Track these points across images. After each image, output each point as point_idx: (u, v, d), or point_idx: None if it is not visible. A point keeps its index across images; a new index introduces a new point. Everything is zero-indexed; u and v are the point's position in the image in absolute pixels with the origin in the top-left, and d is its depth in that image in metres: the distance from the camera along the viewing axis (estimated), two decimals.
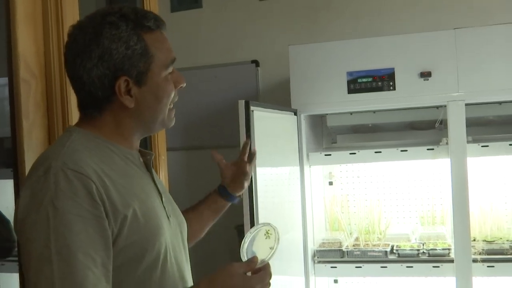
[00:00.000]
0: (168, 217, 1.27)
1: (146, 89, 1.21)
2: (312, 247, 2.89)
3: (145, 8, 2.01)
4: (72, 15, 1.57)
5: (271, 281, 1.24)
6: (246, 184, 1.76)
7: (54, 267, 1.02)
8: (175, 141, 3.80)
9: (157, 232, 1.18)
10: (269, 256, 1.24)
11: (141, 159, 1.31)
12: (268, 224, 1.26)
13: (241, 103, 2.21)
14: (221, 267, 1.18)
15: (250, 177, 1.76)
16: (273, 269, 2.42)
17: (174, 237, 1.27)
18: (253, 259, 1.20)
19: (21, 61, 1.46)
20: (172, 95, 1.26)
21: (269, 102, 2.86)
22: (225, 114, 3.40)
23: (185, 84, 1.31)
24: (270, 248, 1.24)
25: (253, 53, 3.73)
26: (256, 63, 3.71)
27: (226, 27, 3.79)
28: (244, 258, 1.22)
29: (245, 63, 3.73)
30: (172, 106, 1.29)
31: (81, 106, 1.26)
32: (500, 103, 2.75)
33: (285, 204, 2.69)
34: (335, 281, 3.28)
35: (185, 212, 1.58)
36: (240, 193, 1.76)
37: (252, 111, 2.23)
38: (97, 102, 1.21)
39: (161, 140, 2.05)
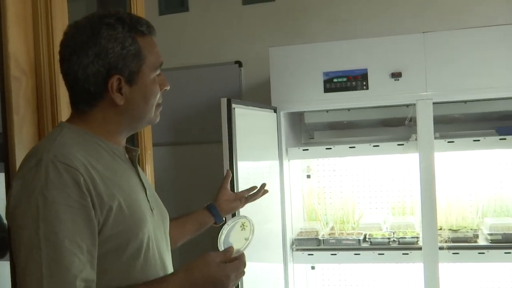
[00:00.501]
0: (151, 210, 1.27)
1: (136, 88, 1.22)
2: (290, 236, 2.89)
3: (132, 11, 1.99)
4: (61, 17, 1.56)
5: (245, 269, 1.25)
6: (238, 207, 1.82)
7: (42, 253, 1.03)
8: (163, 137, 3.78)
9: (140, 223, 1.18)
10: (244, 246, 1.25)
11: (127, 155, 1.31)
12: (244, 217, 1.28)
13: (224, 101, 2.21)
14: (199, 256, 1.19)
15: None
16: (254, 257, 2.43)
17: (156, 228, 1.27)
18: (229, 249, 1.21)
19: (12, 59, 1.44)
20: (158, 96, 1.27)
21: (251, 100, 2.86)
22: (209, 112, 3.38)
23: (169, 87, 1.31)
24: (245, 239, 1.25)
25: (236, 54, 3.71)
26: (239, 63, 3.70)
27: (211, 29, 3.77)
28: (221, 248, 1.24)
29: (229, 64, 3.71)
30: (157, 105, 1.29)
31: (73, 102, 1.26)
32: (465, 102, 2.77)
33: (265, 196, 2.68)
34: (312, 268, 3.30)
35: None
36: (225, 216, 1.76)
37: (234, 108, 2.23)
38: (89, 98, 1.22)
39: (147, 136, 2.03)
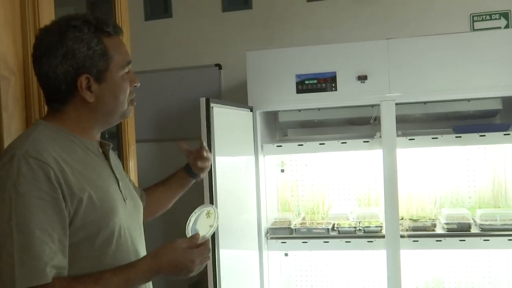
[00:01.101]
0: (124, 200, 1.26)
1: (105, 86, 1.21)
2: (265, 225, 2.89)
3: (117, 16, 1.95)
4: (48, 20, 1.52)
5: (210, 255, 1.25)
6: (206, 168, 1.74)
7: (14, 242, 1.03)
8: (147, 133, 3.76)
9: (111, 213, 1.18)
10: (209, 233, 1.25)
11: (100, 149, 1.29)
12: (210, 205, 1.27)
13: (203, 101, 2.20)
14: (166, 242, 1.18)
15: (209, 162, 1.74)
16: (231, 245, 2.42)
17: (129, 217, 1.26)
18: (195, 236, 1.21)
19: (1, 60, 1.42)
20: (128, 92, 1.25)
21: (230, 100, 2.85)
22: (191, 110, 3.33)
23: (139, 84, 1.29)
24: (210, 226, 1.25)
25: (216, 58, 3.70)
26: (219, 66, 3.69)
27: (193, 34, 3.75)
28: (189, 235, 1.23)
29: (209, 67, 3.69)
30: (132, 100, 1.28)
31: (48, 101, 1.25)
32: (425, 103, 2.79)
33: (242, 189, 2.68)
34: (286, 254, 3.30)
35: (155, 186, 1.64)
36: (202, 173, 1.74)
37: (212, 107, 2.21)
38: (61, 97, 1.21)
39: (130, 132, 2.00)
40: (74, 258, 1.11)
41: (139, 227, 1.33)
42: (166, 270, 1.15)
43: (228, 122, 2.48)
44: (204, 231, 1.23)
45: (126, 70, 1.25)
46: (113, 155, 1.37)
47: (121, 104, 1.24)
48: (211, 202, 2.18)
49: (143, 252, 1.33)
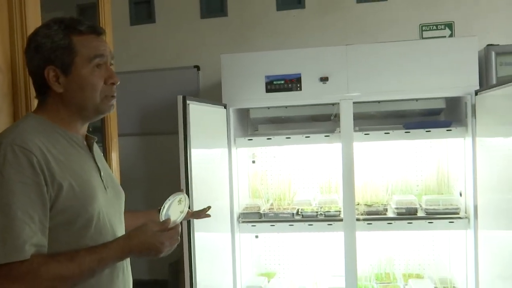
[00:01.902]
0: (105, 188, 1.23)
1: (71, 78, 1.18)
2: (237, 210, 2.89)
3: (101, 21, 1.90)
4: (34, 21, 1.48)
5: (179, 237, 1.23)
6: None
7: None
8: (132, 128, 3.72)
9: (90, 200, 1.16)
10: (180, 218, 1.23)
11: (85, 142, 1.27)
12: (182, 193, 1.25)
13: (180, 98, 2.18)
14: (139, 226, 1.17)
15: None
16: (206, 228, 2.40)
17: (109, 204, 1.24)
18: (166, 221, 1.19)
19: None
20: (98, 87, 1.21)
21: (207, 98, 2.83)
22: (171, 107, 3.30)
23: (118, 82, 1.26)
24: (181, 212, 1.23)
25: (195, 60, 3.67)
26: (197, 67, 3.66)
27: (174, 39, 3.71)
28: (162, 219, 1.21)
29: (189, 68, 3.66)
30: (110, 96, 1.24)
31: (36, 95, 1.24)
32: (379, 102, 2.81)
33: (216, 178, 2.67)
34: (256, 237, 3.31)
35: (128, 216, 1.52)
36: None
37: (188, 104, 2.20)
38: (40, 88, 1.21)
39: (113, 126, 1.96)
40: (54, 240, 1.10)
41: (119, 214, 1.31)
42: (137, 250, 1.14)
43: (204, 118, 2.46)
44: (175, 216, 1.22)
45: (95, 63, 1.20)
46: (97, 148, 1.34)
47: (90, 97, 1.20)
48: (187, 190, 2.17)
49: None
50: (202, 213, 1.69)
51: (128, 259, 1.30)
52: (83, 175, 1.17)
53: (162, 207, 1.22)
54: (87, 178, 1.18)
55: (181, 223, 1.25)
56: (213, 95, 3.20)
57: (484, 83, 2.71)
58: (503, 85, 2.20)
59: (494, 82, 2.76)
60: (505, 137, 2.27)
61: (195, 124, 2.26)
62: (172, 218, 1.20)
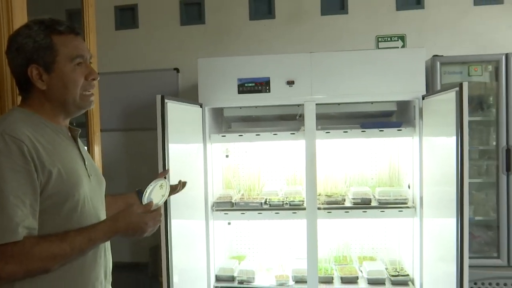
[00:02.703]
0: (89, 176, 1.22)
1: (54, 75, 1.16)
2: (211, 200, 2.89)
3: (85, 23, 1.86)
4: (21, 21, 1.44)
5: (161, 219, 1.23)
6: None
7: None
8: (116, 124, 3.67)
9: (76, 186, 1.14)
10: (161, 201, 1.23)
11: (69, 133, 1.25)
12: (163, 179, 1.25)
13: (158, 97, 2.16)
14: (124, 208, 1.17)
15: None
16: (183, 215, 2.39)
17: (93, 191, 1.23)
18: (149, 203, 1.19)
19: None
20: (79, 83, 1.19)
21: (185, 98, 2.81)
22: (152, 106, 3.29)
23: (98, 77, 1.24)
24: (162, 196, 1.23)
25: (175, 63, 3.64)
26: (177, 70, 3.62)
27: (156, 43, 3.68)
28: (145, 203, 1.21)
29: (169, 70, 3.63)
30: (89, 92, 1.22)
31: (19, 91, 1.21)
32: (339, 104, 2.85)
33: (192, 170, 2.66)
34: (229, 223, 3.31)
35: (110, 200, 1.49)
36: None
37: (166, 103, 2.18)
38: (24, 86, 1.18)
39: (95, 121, 1.93)
40: (43, 223, 1.08)
41: (102, 201, 1.30)
42: (123, 231, 1.13)
43: (181, 116, 2.45)
44: (157, 200, 1.22)
45: (76, 62, 1.18)
46: (80, 140, 1.32)
47: (71, 93, 1.18)
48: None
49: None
50: (179, 187, 1.65)
51: (109, 242, 1.29)
52: (70, 163, 1.16)
53: (144, 192, 1.22)
54: (73, 166, 1.17)
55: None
56: (191, 95, 3.19)
57: (430, 89, 2.79)
58: (445, 91, 2.26)
59: (439, 88, 2.84)
60: (447, 137, 2.34)
61: (173, 121, 2.24)
62: (155, 201, 1.20)
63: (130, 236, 1.17)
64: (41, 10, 2.88)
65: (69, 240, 1.07)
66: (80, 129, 1.29)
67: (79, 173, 1.17)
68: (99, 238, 1.12)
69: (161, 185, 1.24)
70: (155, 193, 1.22)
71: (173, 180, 2.25)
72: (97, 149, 1.91)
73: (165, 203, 2.15)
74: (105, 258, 1.24)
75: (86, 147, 1.44)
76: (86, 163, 1.24)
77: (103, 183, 1.35)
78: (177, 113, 2.34)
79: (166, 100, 2.16)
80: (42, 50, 1.13)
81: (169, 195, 1.53)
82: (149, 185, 1.23)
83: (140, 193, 1.58)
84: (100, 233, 1.11)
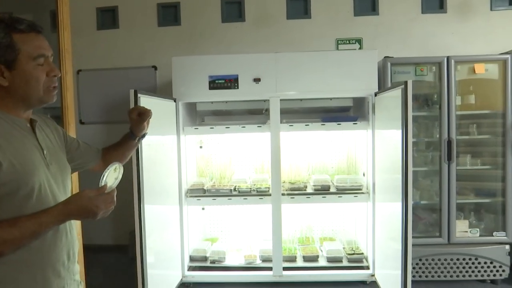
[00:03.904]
0: (48, 164, 1.16)
1: (15, 73, 1.09)
2: (185, 187, 2.86)
3: (59, 22, 1.79)
4: None
5: (115, 201, 1.14)
6: (144, 130, 1.56)
7: None
8: (97, 117, 3.58)
9: (30, 174, 1.08)
10: (115, 183, 1.15)
11: (28, 125, 1.18)
12: (117, 163, 1.18)
13: (132, 92, 2.11)
14: (77, 192, 1.11)
15: (146, 126, 1.57)
16: (159, 201, 2.35)
17: (52, 178, 1.16)
18: (102, 186, 1.11)
19: None
20: (42, 80, 1.12)
21: (163, 94, 2.75)
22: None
23: (59, 74, 1.17)
24: (115, 179, 1.16)
25: (153, 61, 3.57)
26: (155, 67, 3.56)
27: (135, 42, 3.59)
28: (101, 186, 1.14)
29: (148, 68, 3.56)
30: (52, 87, 1.16)
31: None
32: (301, 99, 2.86)
33: (166, 160, 2.62)
34: (203, 209, 3.29)
35: (110, 148, 1.50)
36: (142, 134, 1.55)
37: (139, 97, 2.13)
38: None
39: (70, 114, 1.86)
40: None
41: (64, 187, 1.23)
42: (74, 213, 1.07)
43: (155, 110, 2.36)
44: (110, 182, 1.15)
45: (39, 61, 1.11)
46: (44, 130, 1.24)
47: (34, 89, 1.11)
48: (138, 170, 2.11)
49: None
50: (146, 114, 1.56)
51: (73, 225, 1.24)
52: (24, 153, 1.10)
53: (102, 175, 1.14)
54: (28, 156, 1.11)
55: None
56: (168, 91, 3.13)
57: (382, 87, 2.82)
58: (393, 89, 2.29)
59: (389, 86, 2.87)
60: (394, 130, 2.38)
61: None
62: (108, 184, 1.14)
63: (83, 219, 1.11)
64: (27, 10, 2.78)
65: (18, 225, 1.02)
66: (38, 120, 1.22)
67: (34, 162, 1.11)
68: (51, 221, 1.06)
69: (115, 168, 1.17)
70: (110, 176, 1.15)
71: (147, 170, 2.22)
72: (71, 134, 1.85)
73: (138, 189, 2.11)
74: (66, 240, 1.18)
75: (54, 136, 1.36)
76: (44, 152, 1.18)
77: (66, 171, 1.28)
78: (151, 107, 2.27)
79: (139, 95, 2.11)
80: (3, 49, 1.06)
81: (138, 121, 1.47)
82: (106, 168, 1.16)
83: (131, 135, 1.53)
84: (51, 217, 1.05)
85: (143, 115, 1.51)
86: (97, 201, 1.08)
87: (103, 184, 1.11)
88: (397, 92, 2.20)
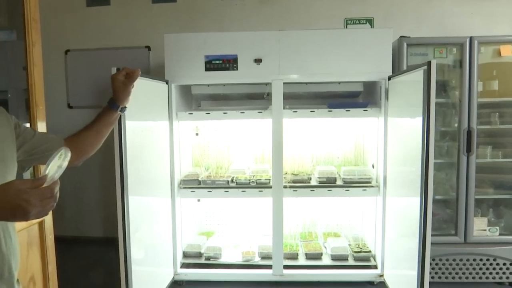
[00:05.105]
0: None
1: None
2: (178, 177, 2.60)
3: (25, 6, 1.48)
4: None
5: (57, 195, 0.85)
6: (129, 96, 1.38)
7: None
8: (88, 101, 3.31)
9: None
10: (57, 174, 0.86)
11: None
12: (63, 148, 0.89)
13: (113, 70, 1.81)
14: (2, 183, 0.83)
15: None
16: (142, 193, 2.09)
17: None
18: (41, 177, 0.83)
19: None
20: None
21: (157, 76, 2.47)
22: None
23: None
24: (58, 167, 0.86)
25: (146, 41, 3.28)
26: (148, 48, 3.27)
27: (128, 20, 3.30)
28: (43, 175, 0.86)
29: (141, 48, 3.27)
30: None
31: None
32: (306, 83, 2.59)
33: (156, 147, 2.35)
34: (198, 200, 3.05)
35: (81, 133, 1.28)
36: (125, 104, 1.37)
37: None
38: None
39: (38, 95, 1.59)
40: None
41: (3, 180, 0.96)
42: None
43: (143, 92, 2.12)
44: (52, 171, 0.86)
45: None
46: None
47: None
48: (121, 158, 1.85)
49: None
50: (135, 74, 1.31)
51: (11, 232, 0.97)
52: None
53: (47, 163, 0.86)
54: None
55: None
56: (162, 73, 2.82)
57: (396, 70, 2.54)
58: (412, 71, 2.01)
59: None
60: (411, 118, 2.11)
61: (131, 96, 1.91)
62: (50, 174, 0.85)
63: (11, 218, 0.82)
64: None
65: None
66: None
67: None
68: None
69: (61, 154, 0.88)
70: (54, 164, 0.86)
71: (133, 158, 1.95)
72: (41, 125, 1.58)
73: (121, 178, 1.85)
74: (5, 250, 0.92)
75: (28, 124, 1.11)
76: None
77: (6, 166, 1.01)
78: (138, 89, 2.00)
79: None
80: None
81: (125, 83, 1.24)
82: (51, 156, 0.88)
83: (112, 105, 1.30)
84: None
85: (131, 76, 1.27)
86: (29, 195, 0.78)
87: (45, 173, 0.83)
88: (417, 75, 1.91)
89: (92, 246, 3.30)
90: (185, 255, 2.69)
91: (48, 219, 1.58)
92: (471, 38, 2.47)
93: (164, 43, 2.48)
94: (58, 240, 3.49)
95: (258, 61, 2.42)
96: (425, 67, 1.81)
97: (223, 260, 2.66)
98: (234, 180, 2.59)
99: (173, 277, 2.56)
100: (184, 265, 2.65)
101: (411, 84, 2.09)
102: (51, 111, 3.50)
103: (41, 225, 1.51)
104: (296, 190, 2.54)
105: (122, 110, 1.34)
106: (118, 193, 1.86)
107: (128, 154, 1.88)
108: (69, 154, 0.88)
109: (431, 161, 1.79)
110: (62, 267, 2.93)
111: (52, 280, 1.55)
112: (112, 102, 1.33)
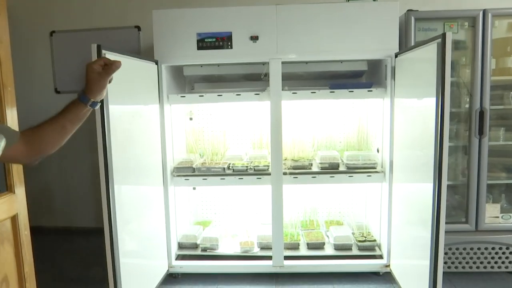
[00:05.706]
0: None
1: None
2: (171, 165, 2.44)
3: None
4: None
5: None
6: (105, 90, 1.15)
7: None
8: (76, 85, 3.12)
9: None
10: None
11: None
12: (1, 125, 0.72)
13: (94, 47, 1.66)
14: None
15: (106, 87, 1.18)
16: (129, 181, 1.92)
17: None
18: None
19: None
20: None
21: (148, 57, 2.28)
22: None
23: None
24: None
25: (136, 20, 3.08)
26: (138, 28, 3.07)
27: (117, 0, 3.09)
28: None
29: (130, 28, 3.07)
30: None
31: None
32: (306, 62, 2.40)
33: (145, 133, 2.18)
34: (194, 188, 2.90)
35: (42, 126, 1.06)
36: (97, 99, 1.17)
37: (104, 54, 1.67)
38: None
39: (6, 74, 1.41)
40: None
41: None
42: None
43: (129, 73, 1.95)
44: None
45: None
46: None
47: None
48: (104, 144, 1.68)
49: None
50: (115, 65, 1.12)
51: None
52: None
53: None
54: None
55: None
56: (152, 54, 2.66)
57: (403, 47, 2.35)
58: (424, 45, 1.82)
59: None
60: (418, 99, 1.93)
61: (117, 78, 1.73)
62: None
63: None
64: None
65: None
66: None
67: None
68: None
69: None
70: None
71: (119, 145, 1.79)
72: (9, 106, 1.40)
73: (105, 166, 1.68)
74: None
75: None
76: None
77: None
78: (124, 70, 1.82)
79: (104, 51, 1.66)
80: None
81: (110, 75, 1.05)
82: None
83: (84, 98, 1.08)
84: None
85: (109, 68, 1.07)
86: None
87: None
88: (429, 50, 1.73)
89: (84, 236, 3.16)
90: (180, 246, 2.55)
91: (23, 212, 1.42)
92: (484, 11, 2.27)
93: (152, 21, 2.28)
94: (49, 231, 3.36)
95: (254, 38, 2.23)
96: (439, 40, 1.62)
97: (220, 251, 2.52)
98: (230, 167, 2.43)
99: (168, 270, 2.43)
100: (179, 257, 2.51)
101: (421, 61, 1.90)
102: (37, 96, 3.32)
103: (14, 219, 1.36)
104: (296, 177, 2.38)
105: (93, 105, 1.11)
106: (103, 182, 1.70)
107: (112, 140, 1.71)
108: (3, 143, 0.70)
109: (446, 144, 1.63)
110: (54, 259, 2.81)
111: (30, 281, 1.40)
112: (82, 94, 1.11)
